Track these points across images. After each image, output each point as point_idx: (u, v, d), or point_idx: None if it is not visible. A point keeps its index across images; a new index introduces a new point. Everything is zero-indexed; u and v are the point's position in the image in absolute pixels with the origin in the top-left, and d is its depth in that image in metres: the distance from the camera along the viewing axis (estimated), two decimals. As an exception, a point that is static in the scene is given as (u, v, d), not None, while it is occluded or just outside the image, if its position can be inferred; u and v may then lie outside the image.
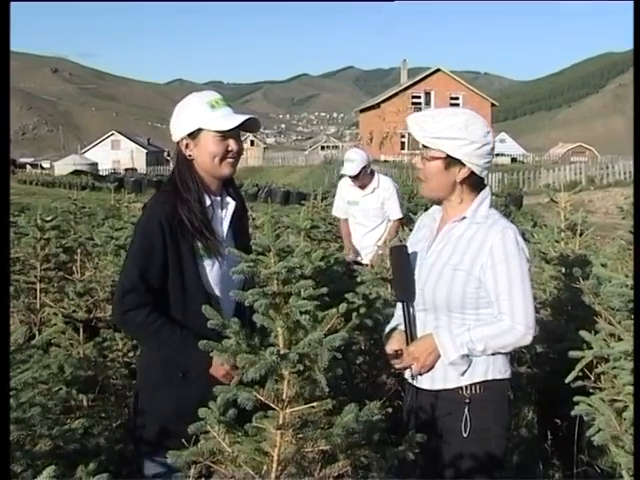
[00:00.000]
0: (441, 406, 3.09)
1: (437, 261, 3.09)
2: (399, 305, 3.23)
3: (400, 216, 7.78)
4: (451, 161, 3.01)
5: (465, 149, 2.97)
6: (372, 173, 7.76)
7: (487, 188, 3.15)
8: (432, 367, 3.07)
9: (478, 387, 3.04)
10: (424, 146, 3.06)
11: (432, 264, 3.11)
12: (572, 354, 3.93)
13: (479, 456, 3.00)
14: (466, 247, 3.03)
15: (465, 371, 3.03)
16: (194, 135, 3.08)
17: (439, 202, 3.22)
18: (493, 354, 3.03)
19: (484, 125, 3.05)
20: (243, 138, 3.21)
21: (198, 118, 3.06)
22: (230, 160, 3.12)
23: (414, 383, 3.21)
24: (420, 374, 3.12)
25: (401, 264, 3.18)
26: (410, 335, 3.14)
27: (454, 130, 2.96)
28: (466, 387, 3.05)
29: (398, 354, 3.17)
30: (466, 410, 3.02)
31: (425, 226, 3.34)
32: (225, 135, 3.06)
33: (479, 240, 3.00)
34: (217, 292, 3.07)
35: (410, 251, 3.29)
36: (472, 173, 3.04)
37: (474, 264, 2.98)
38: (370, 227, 7.72)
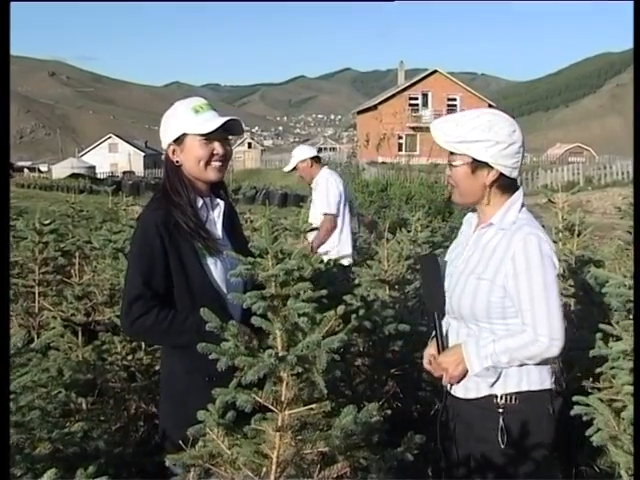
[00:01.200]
0: (475, 414, 3.05)
1: (465, 270, 3.06)
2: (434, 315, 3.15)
3: (325, 210, 7.28)
4: (478, 165, 2.94)
5: (490, 151, 2.90)
6: (318, 168, 7.48)
7: (519, 191, 3.05)
8: (462, 378, 3.03)
9: (513, 398, 2.99)
10: (450, 152, 3.00)
11: (460, 273, 3.08)
12: (571, 354, 3.93)
13: (513, 469, 2.94)
14: (490, 255, 2.97)
15: (495, 382, 2.99)
16: (180, 141, 3.12)
17: (473, 209, 3.18)
18: (523, 365, 2.97)
19: (509, 124, 2.95)
20: (240, 141, 3.22)
21: (182, 123, 3.09)
22: (216, 164, 3.14)
23: (449, 391, 3.18)
24: (450, 384, 3.10)
25: (430, 274, 3.14)
26: (441, 345, 3.12)
27: (477, 132, 2.89)
28: (500, 396, 3.00)
29: (433, 359, 3.15)
30: (501, 420, 2.96)
31: (463, 233, 3.30)
32: (210, 138, 3.09)
33: (503, 248, 2.93)
34: (225, 290, 3.08)
35: (447, 258, 3.28)
36: (501, 175, 2.96)
37: (498, 272, 2.92)
38: (316, 226, 7.13)
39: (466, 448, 3.07)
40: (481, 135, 2.89)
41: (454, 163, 3.00)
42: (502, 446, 2.94)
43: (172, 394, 3.14)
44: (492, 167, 2.93)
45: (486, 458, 2.98)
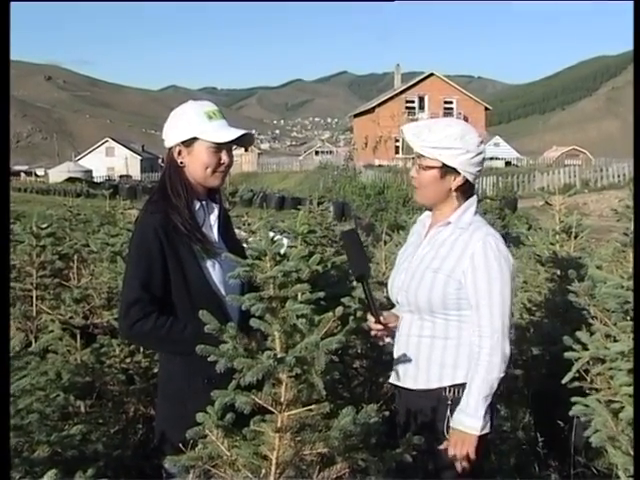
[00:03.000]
0: (423, 405, 3.16)
1: (420, 265, 3.20)
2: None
3: None
4: (447, 170, 3.11)
5: (460, 158, 3.08)
6: None
7: (474, 196, 3.26)
8: (474, 448, 3.06)
9: (459, 389, 3.11)
10: (420, 155, 3.15)
11: (416, 268, 3.22)
12: (568, 355, 3.94)
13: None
14: (448, 252, 3.13)
15: (445, 373, 3.14)
16: (188, 143, 3.10)
17: (431, 208, 3.31)
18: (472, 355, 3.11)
19: (477, 135, 3.17)
20: (234, 148, 3.24)
21: (194, 127, 3.07)
22: (221, 172, 3.15)
23: (397, 383, 3.31)
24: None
25: (352, 246, 3.24)
26: (373, 309, 3.24)
27: (450, 140, 3.07)
28: (448, 388, 3.13)
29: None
30: (448, 411, 3.10)
31: (415, 232, 3.44)
32: (219, 147, 3.09)
33: (461, 246, 3.11)
34: (223, 292, 3.08)
35: (400, 256, 3.45)
36: (466, 181, 3.15)
37: (455, 268, 3.09)
38: None
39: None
40: (453, 143, 3.07)
41: (423, 166, 3.16)
42: (447, 436, 3.08)
43: (170, 396, 3.14)
44: (459, 173, 3.12)
45: (432, 447, 3.05)
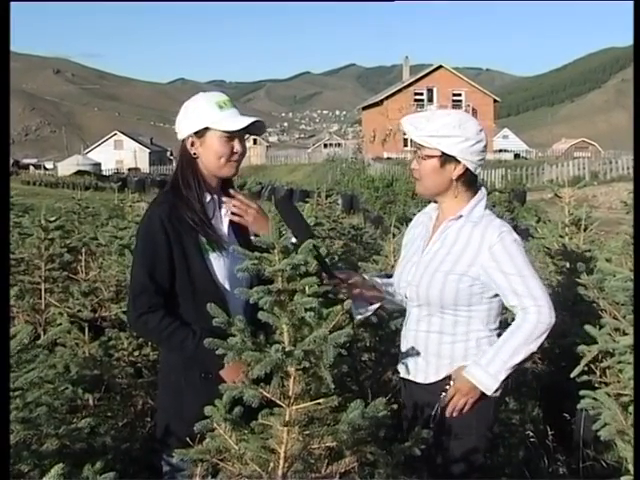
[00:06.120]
0: (436, 396, 3.14)
1: (432, 261, 3.16)
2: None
3: None
4: (446, 158, 3.07)
5: (460, 146, 3.03)
6: None
7: (483, 189, 3.23)
8: (473, 403, 3.10)
9: None
10: (419, 146, 3.12)
11: (427, 264, 3.17)
12: (577, 349, 3.93)
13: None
14: (463, 248, 3.10)
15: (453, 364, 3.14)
16: (200, 134, 3.09)
17: (435, 200, 3.28)
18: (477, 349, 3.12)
19: (477, 123, 3.13)
20: (246, 137, 3.23)
21: (206, 117, 3.07)
22: (234, 161, 3.13)
23: (407, 377, 3.29)
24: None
25: (289, 212, 3.15)
26: (326, 270, 3.16)
27: (448, 128, 3.03)
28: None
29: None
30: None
31: (421, 224, 3.40)
32: (231, 136, 3.08)
33: (477, 240, 3.07)
34: (227, 286, 3.07)
35: (406, 249, 3.41)
36: (467, 170, 3.10)
37: (472, 265, 3.05)
38: None
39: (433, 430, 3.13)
40: (452, 131, 3.04)
41: (423, 156, 3.12)
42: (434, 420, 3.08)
43: (169, 388, 3.15)
44: (459, 162, 3.08)
45: (439, 441, 3.06)
